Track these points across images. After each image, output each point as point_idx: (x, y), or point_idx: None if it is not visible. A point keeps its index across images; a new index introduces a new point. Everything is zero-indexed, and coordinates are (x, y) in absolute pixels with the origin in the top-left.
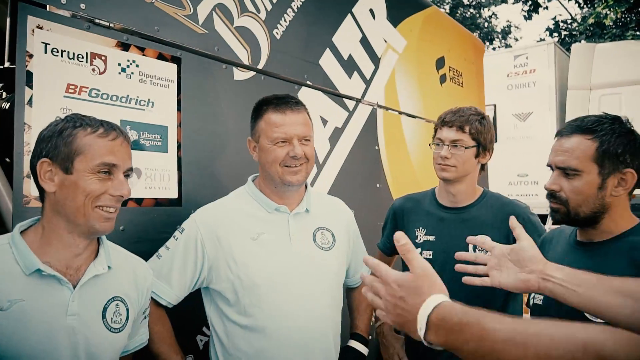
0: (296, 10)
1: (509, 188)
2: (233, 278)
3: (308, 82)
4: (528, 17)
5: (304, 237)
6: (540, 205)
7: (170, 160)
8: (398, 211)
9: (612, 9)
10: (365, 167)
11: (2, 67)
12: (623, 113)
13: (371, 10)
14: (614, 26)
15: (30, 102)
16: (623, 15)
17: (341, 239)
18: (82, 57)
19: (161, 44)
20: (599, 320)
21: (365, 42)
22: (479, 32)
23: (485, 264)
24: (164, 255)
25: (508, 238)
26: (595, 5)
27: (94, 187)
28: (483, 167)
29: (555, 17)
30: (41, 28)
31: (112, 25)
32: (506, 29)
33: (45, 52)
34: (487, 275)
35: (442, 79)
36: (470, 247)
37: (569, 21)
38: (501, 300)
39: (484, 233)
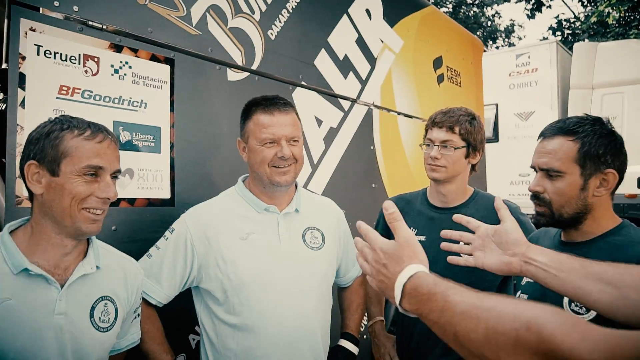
0: (291, 11)
1: (510, 188)
2: (222, 277)
3: (303, 83)
4: (531, 16)
5: (294, 236)
6: None
7: (163, 161)
8: None
9: (614, 8)
10: (361, 167)
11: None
12: (625, 112)
13: (367, 11)
14: (616, 25)
15: (22, 103)
16: (626, 14)
17: (331, 239)
18: (75, 59)
19: (154, 45)
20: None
21: (361, 42)
22: (482, 31)
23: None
24: (154, 254)
25: None
26: (598, 4)
27: (80, 189)
28: (474, 168)
29: (558, 16)
30: (34, 30)
31: (105, 27)
32: (509, 27)
33: (38, 54)
34: (471, 255)
35: (440, 78)
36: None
37: (572, 20)
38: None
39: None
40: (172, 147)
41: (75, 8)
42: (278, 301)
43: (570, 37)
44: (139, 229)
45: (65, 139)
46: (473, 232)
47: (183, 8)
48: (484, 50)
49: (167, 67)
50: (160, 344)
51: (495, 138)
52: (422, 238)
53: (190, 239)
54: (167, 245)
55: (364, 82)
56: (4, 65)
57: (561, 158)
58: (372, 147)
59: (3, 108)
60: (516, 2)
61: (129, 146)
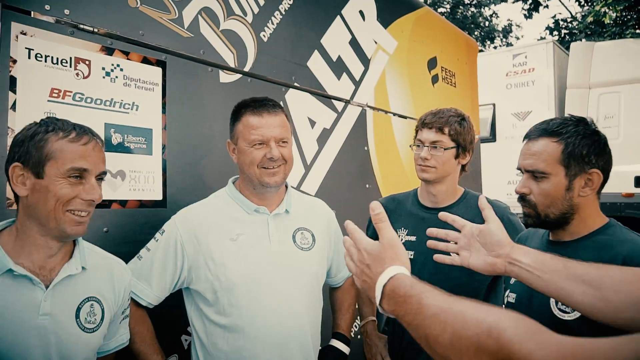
0: (284, 12)
1: (507, 187)
2: (212, 278)
3: (296, 84)
4: (528, 16)
5: (284, 237)
6: None
7: (155, 162)
8: None
9: (611, 7)
10: (355, 167)
11: None
12: (622, 111)
13: (361, 12)
14: (613, 24)
15: (14, 106)
16: (622, 14)
17: (322, 240)
18: (66, 62)
19: (146, 48)
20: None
21: (354, 43)
22: (479, 31)
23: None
24: (145, 256)
25: None
26: (595, 4)
27: (65, 191)
28: (464, 168)
29: (555, 16)
30: (25, 34)
31: (96, 30)
32: (507, 27)
33: (29, 58)
34: (457, 254)
35: (434, 79)
36: None
37: (569, 20)
38: (482, 296)
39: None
40: (164, 148)
41: (67, 11)
42: (268, 302)
43: (567, 37)
44: (131, 230)
45: (49, 141)
46: (459, 231)
47: (175, 11)
48: (482, 50)
49: (159, 70)
50: (150, 345)
51: (492, 138)
52: (413, 238)
53: (180, 240)
54: (157, 247)
55: (357, 83)
56: None
57: (546, 159)
58: (365, 148)
59: None
60: (513, 2)
61: (121, 148)
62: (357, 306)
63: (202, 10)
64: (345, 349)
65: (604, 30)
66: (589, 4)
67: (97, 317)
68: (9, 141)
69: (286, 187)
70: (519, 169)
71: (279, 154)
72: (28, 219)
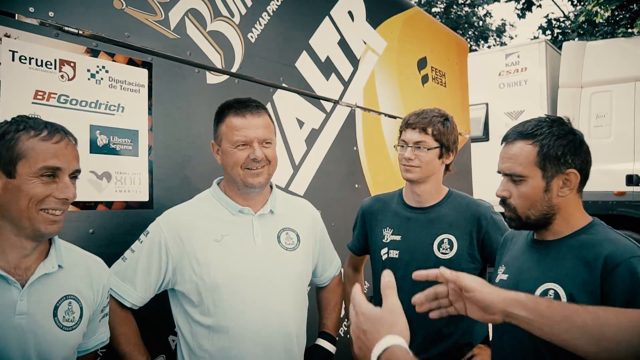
0: (272, 14)
1: None
2: (196, 279)
3: (284, 85)
4: (522, 16)
5: (268, 238)
6: None
7: (141, 164)
8: (367, 212)
9: (603, 7)
10: (344, 168)
11: None
12: (614, 110)
13: (350, 13)
14: (605, 24)
15: None
16: (614, 13)
17: (306, 240)
18: (51, 64)
19: (131, 49)
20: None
21: (343, 44)
22: (473, 30)
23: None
24: (129, 257)
25: (471, 236)
26: (587, 3)
27: (37, 190)
28: (448, 168)
29: (547, 15)
30: (9, 36)
31: (81, 32)
32: (501, 27)
33: (13, 60)
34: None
35: (424, 79)
36: (435, 245)
37: (561, 19)
38: None
39: (448, 232)
40: (150, 150)
41: (51, 14)
42: (252, 302)
43: (560, 36)
44: (117, 232)
45: (21, 140)
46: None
47: (161, 12)
48: (476, 50)
49: (145, 71)
50: (135, 346)
51: (485, 137)
52: (398, 237)
53: (164, 241)
54: (142, 248)
55: (346, 84)
56: None
57: (522, 163)
58: (355, 148)
59: None
60: (506, 2)
61: (107, 150)
62: (343, 306)
63: (188, 11)
64: (331, 348)
65: (596, 29)
66: (581, 3)
67: (75, 315)
68: None
69: (271, 187)
70: (498, 172)
71: (262, 154)
72: (1, 219)
